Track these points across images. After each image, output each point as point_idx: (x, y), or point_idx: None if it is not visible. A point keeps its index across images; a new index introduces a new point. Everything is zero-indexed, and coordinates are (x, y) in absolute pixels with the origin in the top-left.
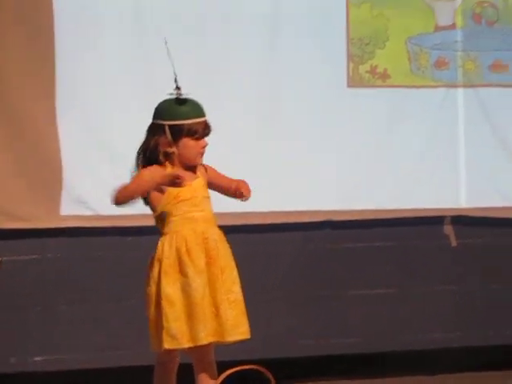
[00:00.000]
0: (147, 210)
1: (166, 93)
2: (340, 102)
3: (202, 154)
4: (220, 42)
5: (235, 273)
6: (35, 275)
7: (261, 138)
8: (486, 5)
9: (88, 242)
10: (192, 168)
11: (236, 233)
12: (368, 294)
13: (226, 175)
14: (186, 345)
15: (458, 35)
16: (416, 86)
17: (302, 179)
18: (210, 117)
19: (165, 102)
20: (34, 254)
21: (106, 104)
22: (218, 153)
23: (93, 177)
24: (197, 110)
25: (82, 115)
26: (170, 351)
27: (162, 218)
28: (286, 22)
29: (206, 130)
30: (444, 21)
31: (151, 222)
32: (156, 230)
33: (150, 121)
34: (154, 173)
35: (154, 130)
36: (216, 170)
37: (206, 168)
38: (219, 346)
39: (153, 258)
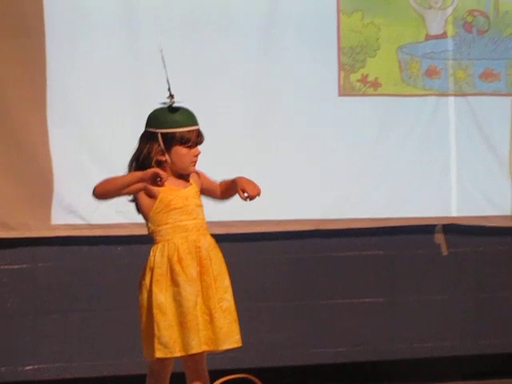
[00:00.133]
0: (138, 219)
1: (159, 101)
2: (331, 110)
3: (195, 162)
4: (213, 51)
5: (227, 281)
6: (26, 284)
7: (251, 146)
8: (477, 14)
9: (79, 251)
10: (185, 176)
11: (224, 242)
12: (358, 302)
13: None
14: (178, 353)
15: (449, 44)
16: (407, 95)
17: (292, 187)
18: (200, 124)
19: (158, 110)
20: (24, 263)
21: (97, 113)
22: (206, 161)
23: (83, 186)
24: (189, 118)
25: (73, 125)
26: (162, 360)
27: (153, 226)
28: (278, 30)
29: (198, 138)
30: (435, 29)
31: (142, 231)
32: (147, 238)
33: (141, 130)
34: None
35: (146, 137)
36: (207, 176)
37: (198, 174)
38: (209, 355)
39: (145, 267)
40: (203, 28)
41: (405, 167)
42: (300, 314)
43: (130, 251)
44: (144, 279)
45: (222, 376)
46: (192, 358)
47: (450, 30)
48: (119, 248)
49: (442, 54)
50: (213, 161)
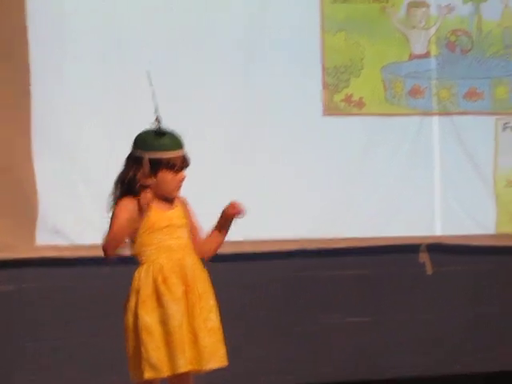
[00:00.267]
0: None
1: (146, 122)
2: (315, 130)
3: (180, 187)
4: (193, 69)
5: (213, 300)
6: (11, 306)
7: (234, 165)
8: (460, 33)
9: (64, 272)
10: (170, 199)
11: (208, 261)
12: (343, 322)
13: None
14: (166, 374)
15: (433, 63)
16: (391, 114)
17: (276, 207)
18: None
19: (145, 132)
20: (9, 284)
21: (80, 133)
22: (191, 183)
23: (68, 206)
24: (176, 142)
25: (57, 145)
26: (150, 381)
27: (138, 248)
28: (261, 49)
29: (184, 163)
30: (419, 49)
31: (128, 252)
32: (133, 259)
33: (126, 149)
34: (129, 211)
35: (132, 160)
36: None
37: (186, 203)
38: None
39: (130, 289)
40: (185, 45)
41: (389, 187)
42: (284, 334)
43: (116, 272)
44: (129, 301)
45: None
46: (179, 378)
47: (434, 50)
48: (105, 269)
49: (425, 73)
50: (195, 182)
